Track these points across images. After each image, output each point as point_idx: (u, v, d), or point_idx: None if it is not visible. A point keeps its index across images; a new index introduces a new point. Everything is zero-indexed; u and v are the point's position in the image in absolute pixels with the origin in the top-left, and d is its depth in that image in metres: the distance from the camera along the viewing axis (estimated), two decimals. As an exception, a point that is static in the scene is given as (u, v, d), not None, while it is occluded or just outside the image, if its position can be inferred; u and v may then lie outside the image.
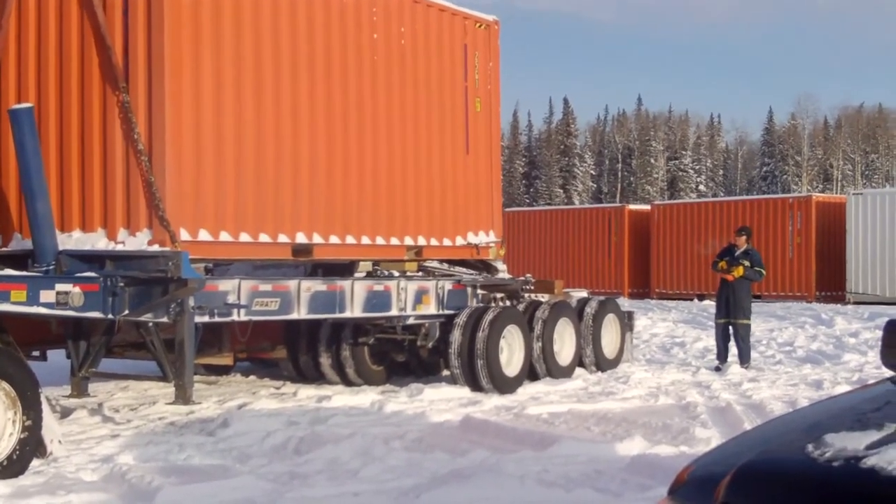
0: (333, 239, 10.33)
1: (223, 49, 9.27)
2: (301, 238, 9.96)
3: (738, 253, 14.07)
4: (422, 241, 11.51)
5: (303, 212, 10.02)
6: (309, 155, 10.12)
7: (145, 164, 8.68)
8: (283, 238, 9.79)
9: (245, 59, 9.47)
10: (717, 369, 13.35)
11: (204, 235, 9.04)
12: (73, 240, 8.83)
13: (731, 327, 13.87)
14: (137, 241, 8.70)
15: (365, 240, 10.73)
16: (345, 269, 10.81)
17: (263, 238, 9.60)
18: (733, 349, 13.90)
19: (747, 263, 13.91)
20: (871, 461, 2.78)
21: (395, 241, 11.14)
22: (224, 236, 9.23)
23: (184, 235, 8.78)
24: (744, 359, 13.73)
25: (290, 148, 9.91)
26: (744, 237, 14.24)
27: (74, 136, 9.05)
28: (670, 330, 19.96)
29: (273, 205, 9.71)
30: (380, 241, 10.93)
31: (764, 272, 14.48)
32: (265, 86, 9.66)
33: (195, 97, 9.01)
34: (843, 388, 10.59)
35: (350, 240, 10.53)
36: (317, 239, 10.11)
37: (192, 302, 8.64)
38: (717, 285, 14.61)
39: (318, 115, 10.23)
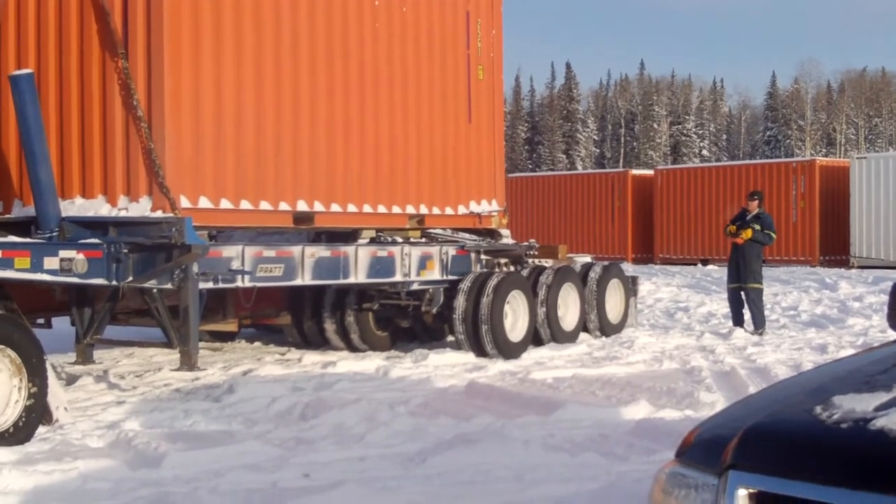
0: (335, 207, 10.29)
1: (223, 15, 9.18)
2: (302, 206, 9.91)
3: (749, 217, 14.02)
4: (423, 210, 11.47)
5: (304, 179, 9.96)
6: (310, 122, 10.05)
7: (145, 130, 8.62)
8: (283, 206, 9.74)
9: (245, 26, 9.38)
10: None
11: (204, 203, 9.00)
12: (76, 206, 8.81)
13: (742, 292, 13.84)
14: (140, 208, 8.67)
15: (366, 208, 10.68)
16: (347, 237, 10.79)
17: (264, 206, 9.55)
18: (748, 314, 13.85)
19: (757, 227, 13.85)
20: (880, 423, 2.76)
21: (396, 209, 11.10)
22: (224, 204, 9.18)
23: (184, 202, 8.74)
24: (758, 324, 13.63)
25: (291, 115, 9.84)
26: (756, 201, 14.13)
27: (74, 102, 8.98)
28: (674, 295, 19.95)
29: (274, 172, 9.66)
30: (381, 209, 10.89)
31: (774, 235, 14.36)
32: (265, 53, 9.58)
33: (194, 63, 8.93)
34: (848, 352, 10.58)
35: (351, 208, 10.49)
36: (318, 207, 10.07)
37: (196, 268, 8.62)
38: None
39: (319, 83, 10.15)
